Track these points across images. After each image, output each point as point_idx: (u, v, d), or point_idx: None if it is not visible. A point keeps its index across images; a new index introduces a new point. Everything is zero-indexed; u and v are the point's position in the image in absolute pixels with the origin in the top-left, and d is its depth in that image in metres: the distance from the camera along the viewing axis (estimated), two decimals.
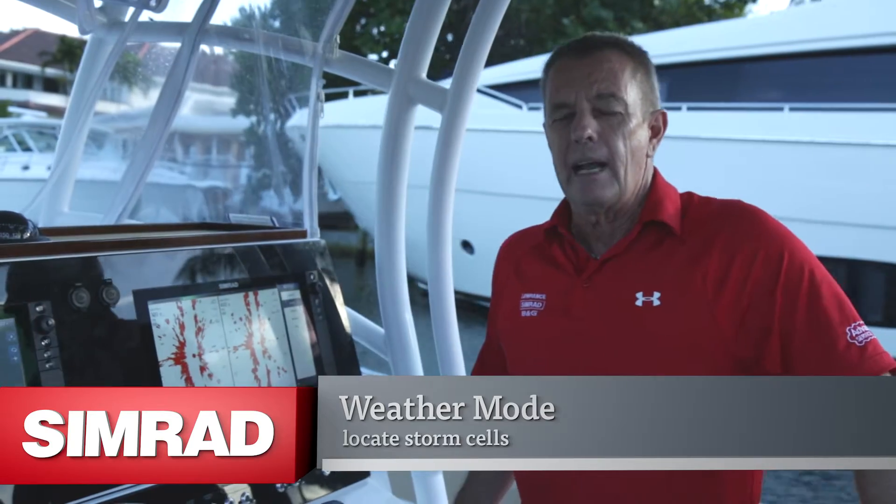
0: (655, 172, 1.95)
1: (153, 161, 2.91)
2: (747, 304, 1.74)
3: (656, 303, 1.79)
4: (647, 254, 1.84)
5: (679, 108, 14.23)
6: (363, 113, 17.81)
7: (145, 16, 2.96)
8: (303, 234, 2.64)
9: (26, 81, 53.30)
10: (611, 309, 1.83)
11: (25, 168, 20.14)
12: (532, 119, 16.96)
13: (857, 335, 1.69)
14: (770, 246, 1.75)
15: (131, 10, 3.00)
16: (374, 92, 20.73)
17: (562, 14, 27.78)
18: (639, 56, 1.87)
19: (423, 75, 2.59)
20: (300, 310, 2.45)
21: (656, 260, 1.83)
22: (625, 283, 1.83)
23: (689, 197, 1.92)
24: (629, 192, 1.85)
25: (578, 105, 1.81)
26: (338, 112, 19.21)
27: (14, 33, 54.05)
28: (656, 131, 1.89)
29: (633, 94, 1.81)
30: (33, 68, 50.11)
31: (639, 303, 1.80)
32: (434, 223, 2.59)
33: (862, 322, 1.72)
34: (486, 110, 17.03)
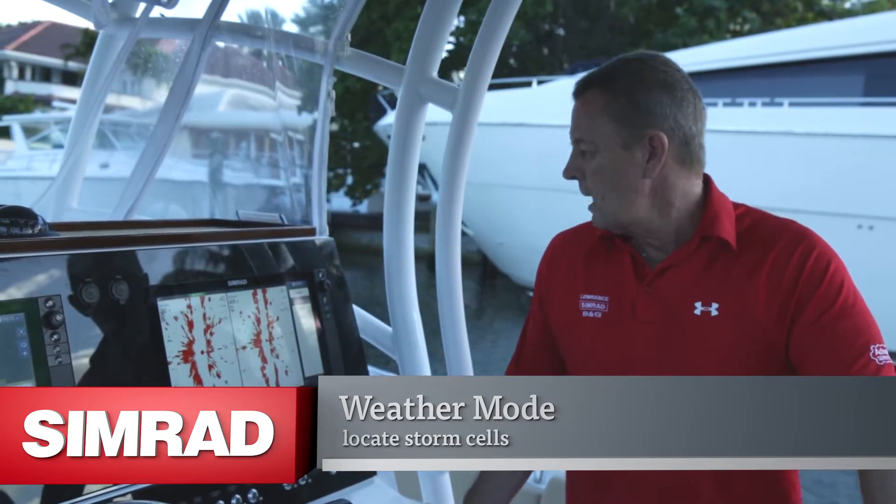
0: (711, 185, 2.00)
1: (163, 157, 2.91)
2: (793, 309, 1.83)
3: (714, 313, 1.88)
4: (704, 265, 1.92)
5: (894, 104, 13.53)
6: (485, 109, 16.64)
7: (156, 12, 2.97)
8: (311, 232, 2.64)
9: (44, 74, 53.09)
10: (670, 316, 1.92)
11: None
12: (712, 116, 16.50)
13: (879, 354, 1.78)
14: (819, 258, 1.84)
15: (142, 6, 3.01)
16: (497, 87, 19.68)
17: (670, 4, 27.16)
18: (620, 84, 1.91)
19: (434, 74, 2.59)
20: (308, 308, 2.45)
21: (713, 272, 1.91)
22: (683, 292, 1.92)
23: (745, 210, 1.99)
24: (626, 215, 1.93)
25: (573, 145, 1.98)
26: None
27: (31, 25, 53.94)
28: (654, 153, 1.89)
29: (602, 129, 1.90)
30: (51, 61, 49.94)
31: (697, 311, 1.89)
32: (444, 222, 2.59)
33: (884, 345, 1.80)
34: None
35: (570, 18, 28.40)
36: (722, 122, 15.12)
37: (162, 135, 2.93)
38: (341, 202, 30.97)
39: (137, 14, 3.08)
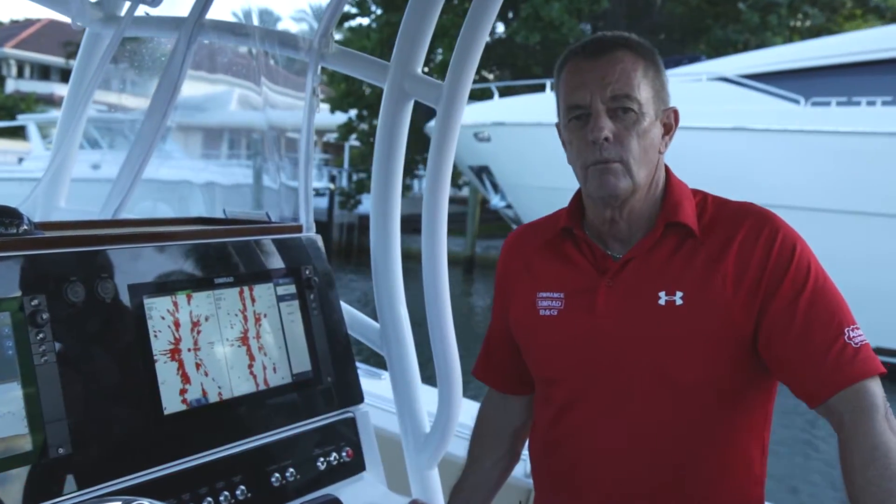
0: (668, 171, 2.00)
1: (149, 155, 2.91)
2: (763, 295, 1.82)
3: (679, 302, 1.86)
4: (668, 254, 1.91)
5: None
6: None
7: (141, 10, 2.97)
8: (298, 229, 2.64)
9: (42, 72, 52.61)
10: (634, 307, 1.90)
11: (96, 167, 17.80)
12: (815, 116, 14.55)
13: (854, 336, 1.76)
14: (785, 241, 1.84)
15: (127, 4, 3.01)
16: None
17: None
18: (649, 55, 1.91)
19: (419, 70, 2.59)
20: (295, 305, 2.46)
21: (677, 260, 1.90)
22: (647, 283, 1.90)
23: (703, 197, 1.98)
24: (642, 187, 1.91)
25: (594, 106, 1.86)
26: (530, 107, 17.22)
27: (30, 23, 53.32)
28: (668, 128, 1.94)
29: (644, 92, 1.87)
30: (49, 59, 49.47)
31: (662, 302, 1.87)
32: (430, 220, 2.58)
33: (858, 326, 1.79)
34: (751, 105, 14.92)
35: (612, 15, 27.27)
36: (835, 122, 14.37)
37: (149, 133, 2.93)
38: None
39: (122, 13, 3.08)
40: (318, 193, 31.18)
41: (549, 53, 26.74)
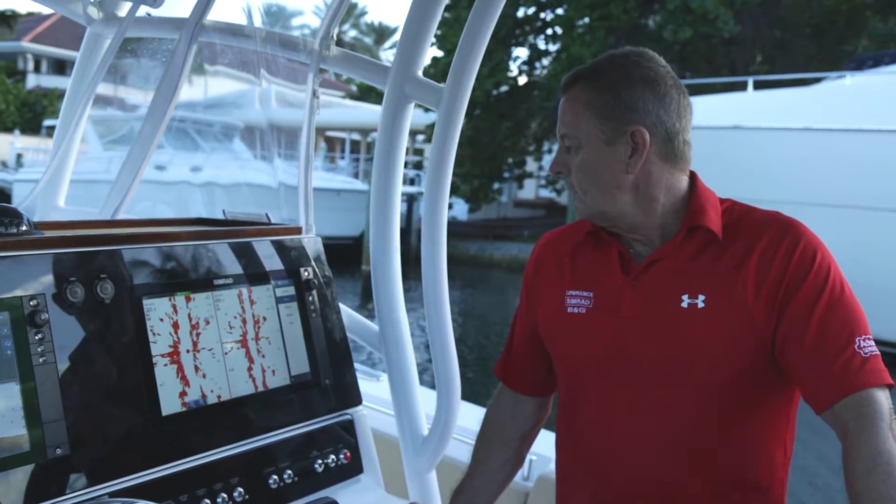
0: (696, 180, 2.02)
1: (149, 156, 2.91)
2: (781, 301, 1.84)
3: (701, 305, 1.89)
4: (691, 258, 1.94)
5: None
6: (769, 110, 14.35)
7: (143, 10, 2.96)
8: (298, 231, 2.64)
9: (58, 67, 52.21)
10: (657, 309, 1.94)
11: (160, 168, 16.22)
12: None
13: (864, 346, 1.78)
14: (805, 249, 1.86)
15: (129, 5, 3.01)
16: (772, 84, 17.50)
17: None
18: (604, 79, 1.94)
19: (420, 73, 2.59)
20: (294, 306, 2.46)
21: (700, 264, 1.93)
22: (670, 285, 1.93)
23: (731, 204, 2.01)
24: (610, 210, 1.96)
25: (559, 140, 2.00)
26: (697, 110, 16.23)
27: (44, 17, 52.99)
28: (636, 148, 1.91)
29: (585, 125, 1.93)
30: (65, 53, 49.07)
31: (684, 304, 1.91)
32: (430, 227, 2.57)
33: (871, 336, 1.81)
34: None
35: (753, 8, 24.85)
36: None
37: (149, 134, 2.93)
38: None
39: (124, 13, 3.08)
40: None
41: (699, 50, 24.21)
